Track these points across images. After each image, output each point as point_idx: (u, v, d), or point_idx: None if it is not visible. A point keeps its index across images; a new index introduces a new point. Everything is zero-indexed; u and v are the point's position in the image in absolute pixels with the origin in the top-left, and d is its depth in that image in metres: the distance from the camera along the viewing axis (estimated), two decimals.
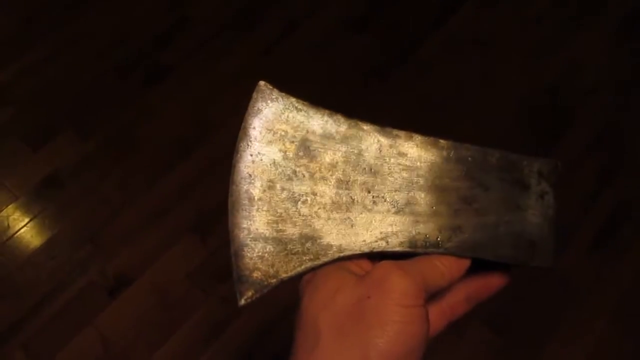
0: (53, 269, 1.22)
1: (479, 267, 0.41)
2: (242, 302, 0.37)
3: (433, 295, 0.39)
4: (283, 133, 0.38)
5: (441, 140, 0.39)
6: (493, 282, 0.42)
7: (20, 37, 1.44)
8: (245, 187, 0.38)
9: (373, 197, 0.38)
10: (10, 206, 1.26)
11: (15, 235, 1.24)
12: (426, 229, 0.38)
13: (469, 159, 0.39)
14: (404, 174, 0.38)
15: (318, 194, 0.37)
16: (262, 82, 0.39)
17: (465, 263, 0.38)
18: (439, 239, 0.38)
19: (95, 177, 1.30)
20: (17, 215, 1.26)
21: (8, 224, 1.25)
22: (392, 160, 0.38)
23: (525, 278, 1.22)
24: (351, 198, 0.38)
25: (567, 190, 1.39)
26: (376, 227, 0.37)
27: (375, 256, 0.37)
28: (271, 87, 0.38)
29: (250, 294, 0.37)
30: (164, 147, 1.34)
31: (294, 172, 0.38)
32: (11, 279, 1.21)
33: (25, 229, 1.25)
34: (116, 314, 1.19)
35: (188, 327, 1.18)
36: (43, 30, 1.45)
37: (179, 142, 1.34)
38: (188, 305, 1.20)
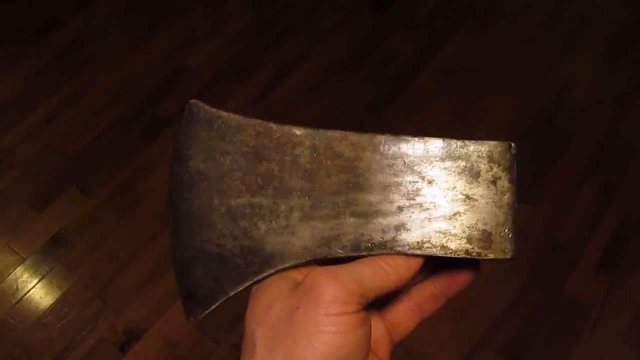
0: (63, 329, 1.22)
1: (445, 262, 0.39)
2: (191, 319, 0.37)
3: (393, 296, 0.38)
4: (216, 149, 0.37)
5: (377, 135, 0.37)
6: (460, 278, 0.40)
7: (19, 101, 1.48)
8: (183, 206, 0.37)
9: (312, 202, 0.36)
10: (18, 268, 1.27)
11: (25, 297, 1.25)
12: (369, 230, 0.36)
13: (409, 151, 0.37)
14: (342, 176, 0.37)
15: (256, 206, 0.37)
16: (192, 100, 0.39)
17: (416, 262, 0.36)
18: (383, 239, 0.36)
19: (100, 233, 1.32)
20: (25, 277, 1.27)
21: (17, 287, 1.25)
22: (329, 162, 0.37)
23: (537, 302, 1.21)
24: (290, 206, 0.36)
25: (570, 210, 1.40)
26: (317, 233, 0.36)
27: (320, 263, 0.36)
28: (201, 105, 0.38)
29: (198, 311, 0.37)
30: (166, 198, 1.35)
31: (230, 186, 0.37)
32: (22, 342, 1.21)
33: (34, 290, 1.25)
34: None
35: None
36: (41, 93, 1.49)
37: None
38: (199, 355, 1.19)
